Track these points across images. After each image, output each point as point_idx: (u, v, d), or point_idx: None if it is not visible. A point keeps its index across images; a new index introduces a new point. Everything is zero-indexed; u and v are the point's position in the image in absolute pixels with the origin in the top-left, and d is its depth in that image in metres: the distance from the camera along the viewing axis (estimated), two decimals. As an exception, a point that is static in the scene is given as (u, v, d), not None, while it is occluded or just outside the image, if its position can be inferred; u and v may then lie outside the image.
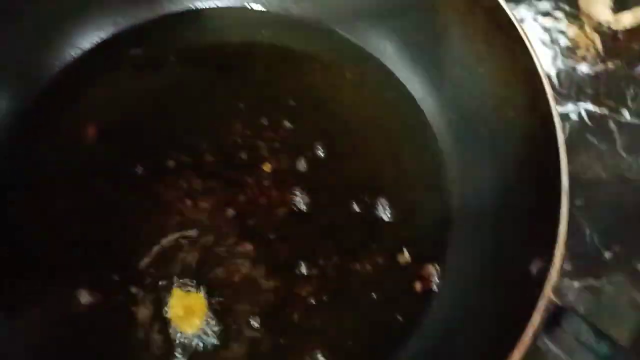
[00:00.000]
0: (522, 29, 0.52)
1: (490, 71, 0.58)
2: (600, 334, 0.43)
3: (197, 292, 0.55)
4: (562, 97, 0.77)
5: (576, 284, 0.69)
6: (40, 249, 0.57)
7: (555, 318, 0.45)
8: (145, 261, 0.56)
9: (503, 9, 0.54)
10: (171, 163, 0.61)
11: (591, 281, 0.69)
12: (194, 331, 0.53)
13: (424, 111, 0.65)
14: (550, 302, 0.45)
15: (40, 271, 0.56)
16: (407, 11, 0.64)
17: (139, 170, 0.60)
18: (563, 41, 0.80)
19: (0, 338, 0.53)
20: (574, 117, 0.76)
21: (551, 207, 0.48)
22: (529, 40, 0.51)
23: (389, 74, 0.66)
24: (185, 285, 0.55)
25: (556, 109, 0.49)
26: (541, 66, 0.51)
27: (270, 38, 0.69)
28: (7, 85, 0.62)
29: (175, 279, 0.55)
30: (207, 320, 0.54)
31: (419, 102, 0.65)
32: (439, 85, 0.64)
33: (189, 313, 0.54)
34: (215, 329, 0.54)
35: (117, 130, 0.63)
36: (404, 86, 0.66)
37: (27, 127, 0.62)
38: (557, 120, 0.49)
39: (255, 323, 0.55)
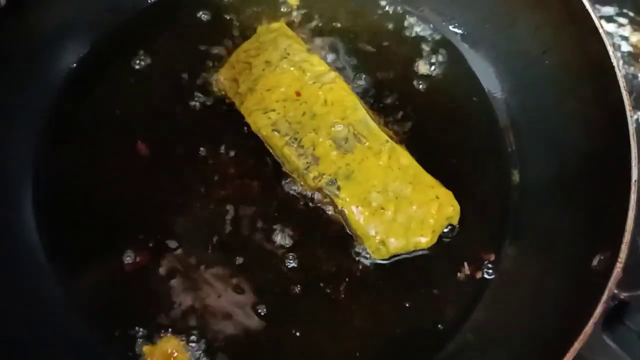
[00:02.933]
0: (597, 18, 0.50)
1: (556, 62, 0.56)
2: (665, 332, 0.42)
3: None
4: (620, 104, 0.75)
5: (623, 294, 0.67)
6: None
7: (616, 314, 0.44)
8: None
9: (579, -1, 0.52)
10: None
11: (640, 293, 0.67)
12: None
13: (491, 102, 0.63)
14: (613, 296, 0.43)
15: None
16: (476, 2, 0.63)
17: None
18: (625, 47, 0.78)
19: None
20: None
21: (618, 199, 0.46)
22: (603, 30, 0.50)
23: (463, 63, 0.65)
24: None
25: (628, 99, 0.48)
26: (614, 57, 0.49)
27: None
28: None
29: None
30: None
31: (487, 94, 0.64)
32: (504, 77, 0.63)
33: None
34: None
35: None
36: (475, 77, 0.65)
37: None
38: (628, 110, 0.47)
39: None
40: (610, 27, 0.79)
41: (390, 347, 0.55)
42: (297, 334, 0.54)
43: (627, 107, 0.48)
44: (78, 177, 0.59)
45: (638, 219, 0.68)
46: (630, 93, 0.76)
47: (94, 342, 0.54)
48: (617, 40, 0.79)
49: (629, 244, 0.44)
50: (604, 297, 0.42)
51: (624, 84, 0.48)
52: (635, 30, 0.79)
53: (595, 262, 0.46)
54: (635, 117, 0.75)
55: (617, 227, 0.45)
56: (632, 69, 0.77)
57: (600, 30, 0.50)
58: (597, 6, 0.81)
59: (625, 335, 0.42)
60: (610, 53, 0.49)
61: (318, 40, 0.64)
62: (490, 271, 0.56)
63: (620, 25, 0.79)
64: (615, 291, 0.43)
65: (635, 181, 0.45)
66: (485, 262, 0.56)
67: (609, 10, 0.81)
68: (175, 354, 0.53)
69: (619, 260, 0.43)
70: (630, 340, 0.42)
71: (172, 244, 0.56)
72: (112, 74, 0.63)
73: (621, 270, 0.43)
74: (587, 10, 0.51)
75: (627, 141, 0.47)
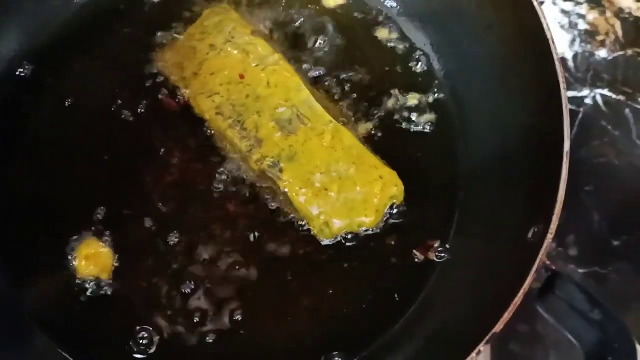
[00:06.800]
0: (532, -8, 0.50)
1: (498, 38, 0.56)
2: (594, 301, 0.42)
3: None
4: (577, 82, 0.74)
5: (581, 270, 0.67)
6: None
7: (549, 284, 0.44)
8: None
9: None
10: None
11: (597, 269, 0.67)
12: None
13: (435, 80, 0.63)
14: (545, 267, 0.43)
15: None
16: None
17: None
18: (582, 25, 0.78)
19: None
20: (588, 102, 0.74)
21: (552, 172, 0.46)
22: (538, 3, 0.50)
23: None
24: None
25: (562, 72, 0.48)
26: (549, 28, 0.49)
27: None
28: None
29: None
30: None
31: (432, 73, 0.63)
32: (447, 55, 0.63)
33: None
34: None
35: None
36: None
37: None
38: (562, 83, 0.47)
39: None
40: (567, 5, 0.79)
41: (341, 327, 0.55)
42: (244, 318, 0.54)
43: (561, 80, 0.47)
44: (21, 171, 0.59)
45: (592, 195, 0.70)
46: (587, 71, 0.77)
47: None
48: (574, 18, 0.79)
49: (559, 216, 0.44)
50: (534, 268, 0.42)
51: (558, 57, 0.48)
52: (592, 8, 0.79)
53: (530, 234, 0.47)
54: (592, 94, 0.75)
55: (550, 199, 0.45)
56: (589, 47, 0.77)
57: (535, 4, 0.50)
58: (555, -15, 0.81)
59: (557, 306, 0.43)
60: (545, 26, 0.49)
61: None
62: (440, 249, 0.56)
63: (578, 3, 0.79)
64: (548, 262, 0.43)
65: (567, 152, 0.45)
66: (434, 245, 0.56)
67: (566, -11, 0.81)
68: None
69: (550, 231, 0.43)
70: (561, 310, 0.42)
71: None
72: (60, 67, 0.62)
73: (551, 241, 0.43)
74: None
75: (560, 114, 0.47)
